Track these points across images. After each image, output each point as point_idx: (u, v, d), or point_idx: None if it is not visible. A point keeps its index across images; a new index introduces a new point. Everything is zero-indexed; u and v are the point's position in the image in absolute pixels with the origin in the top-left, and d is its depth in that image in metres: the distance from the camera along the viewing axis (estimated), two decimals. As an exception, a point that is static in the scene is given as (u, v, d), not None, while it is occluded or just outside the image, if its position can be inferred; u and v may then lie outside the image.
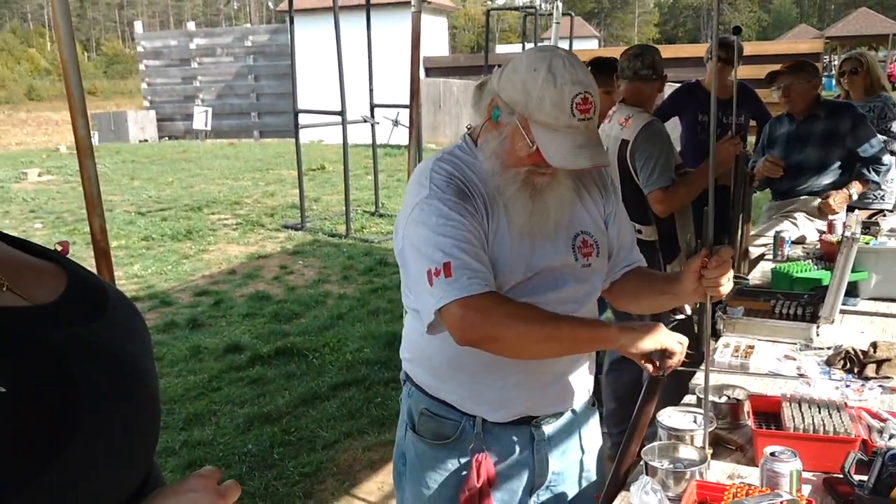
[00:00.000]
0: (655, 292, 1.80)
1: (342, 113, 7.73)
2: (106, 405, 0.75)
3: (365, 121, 8.80)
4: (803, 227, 3.99)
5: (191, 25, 24.65)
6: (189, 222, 8.74)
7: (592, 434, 1.86)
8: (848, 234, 2.41)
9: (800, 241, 3.84)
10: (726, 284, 1.62)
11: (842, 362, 2.22)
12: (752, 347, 2.37)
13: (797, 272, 2.91)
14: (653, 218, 3.21)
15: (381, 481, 3.44)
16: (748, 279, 3.18)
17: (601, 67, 3.51)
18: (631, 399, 3.39)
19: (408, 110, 12.20)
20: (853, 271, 2.64)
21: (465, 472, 1.66)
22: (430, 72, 16.09)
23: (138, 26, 23.52)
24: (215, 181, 12.10)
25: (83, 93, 2.96)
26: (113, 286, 0.90)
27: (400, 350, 1.80)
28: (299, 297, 6.14)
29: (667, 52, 16.03)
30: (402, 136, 15.81)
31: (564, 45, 15.61)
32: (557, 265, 1.65)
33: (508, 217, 1.59)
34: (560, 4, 5.98)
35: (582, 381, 1.77)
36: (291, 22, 7.76)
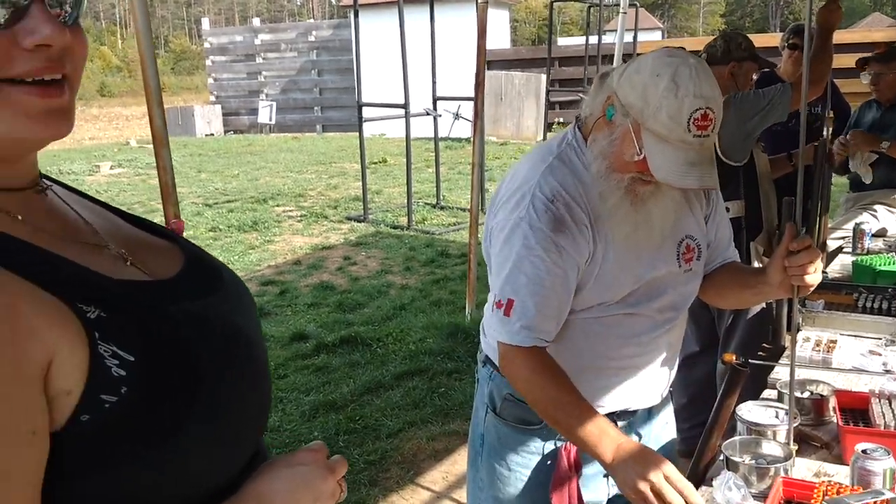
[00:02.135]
0: (740, 286, 1.75)
1: (405, 106, 7.76)
2: (222, 377, 0.76)
3: (427, 113, 8.82)
4: (884, 219, 3.84)
5: (255, 21, 25.09)
6: (255, 214, 8.91)
7: (668, 426, 1.84)
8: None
9: (880, 233, 3.70)
10: (814, 274, 1.55)
11: (932, 359, 2.13)
12: (834, 342, 2.29)
13: (880, 265, 2.80)
14: (742, 193, 3.11)
15: (445, 471, 3.45)
16: (827, 272, 3.07)
17: None
18: (702, 396, 3.34)
19: (469, 103, 12.23)
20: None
21: (549, 458, 1.67)
22: (491, 64, 16.02)
23: (205, 23, 24.07)
24: (280, 174, 12.30)
25: (159, 85, 3.04)
26: (224, 265, 0.92)
27: (482, 328, 1.79)
28: (362, 287, 6.19)
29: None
30: (462, 129, 15.81)
31: (629, 36, 15.36)
32: (662, 274, 1.62)
33: (611, 229, 1.55)
34: (627, -7, 5.87)
35: (668, 377, 1.75)
36: (356, 16, 7.82)
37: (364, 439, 3.70)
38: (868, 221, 3.55)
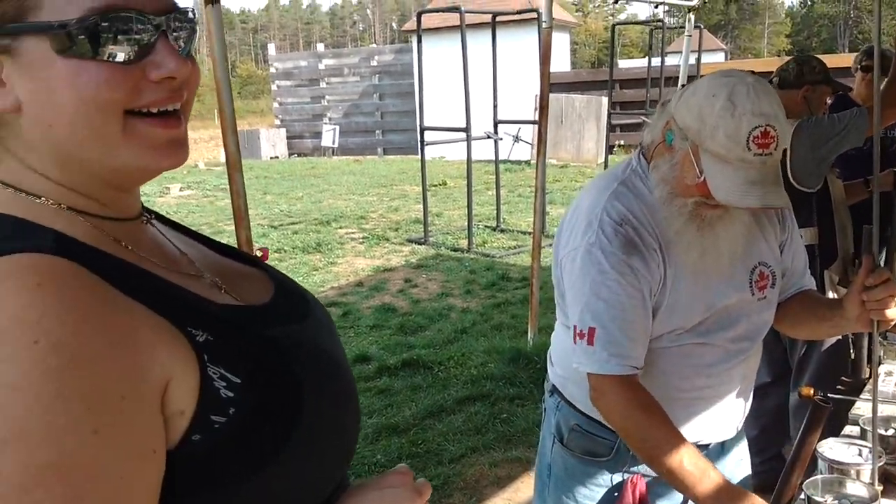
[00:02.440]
0: (816, 318, 1.69)
1: (467, 130, 7.81)
2: (320, 400, 0.78)
3: (488, 137, 8.86)
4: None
5: (320, 47, 25.65)
6: (318, 236, 9.06)
7: (742, 463, 1.79)
8: None
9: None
10: (895, 308, 1.50)
11: None
12: (916, 376, 2.20)
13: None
14: (815, 220, 3.03)
15: (508, 498, 3.42)
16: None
17: None
18: (774, 427, 3.24)
19: (528, 126, 12.11)
20: None
21: (615, 490, 1.64)
22: (551, 87, 15.92)
23: (271, 48, 24.71)
24: (342, 196, 12.49)
25: (234, 111, 3.14)
26: (308, 291, 0.95)
27: (549, 357, 1.78)
28: (423, 310, 6.22)
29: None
30: (522, 152, 15.82)
31: (693, 58, 15.17)
32: (734, 302, 1.58)
33: (679, 255, 1.52)
34: (692, 17, 5.82)
35: (741, 412, 1.71)
36: (419, 41, 7.93)
37: (426, 464, 3.70)
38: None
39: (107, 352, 0.62)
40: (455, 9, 7.56)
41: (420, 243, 8.55)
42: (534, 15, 8.69)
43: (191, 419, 0.67)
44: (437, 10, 9.07)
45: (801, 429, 1.68)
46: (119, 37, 0.68)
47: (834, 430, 1.97)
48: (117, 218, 0.77)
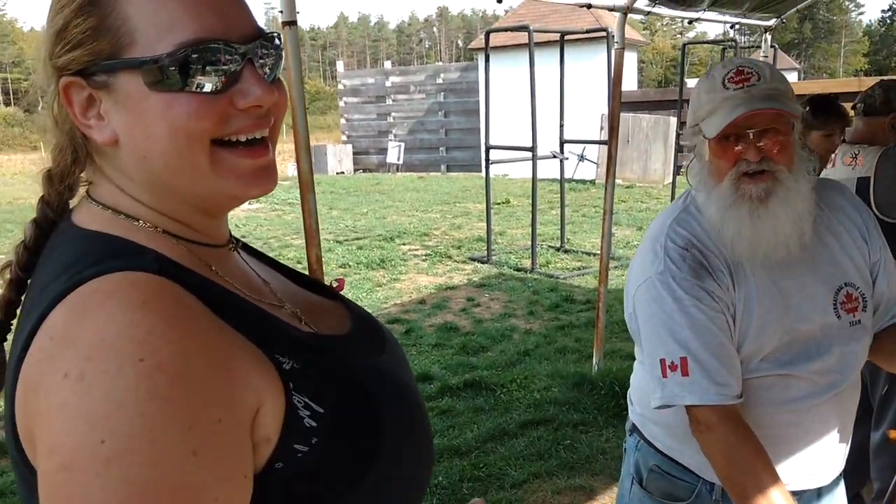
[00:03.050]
0: None
1: (533, 149, 7.77)
2: (400, 433, 0.79)
3: (554, 156, 8.80)
4: None
5: (387, 64, 25.99)
6: (382, 251, 9.12)
7: None
8: None
9: None
10: None
11: None
12: None
13: None
14: None
15: (571, 528, 3.34)
16: None
17: (818, 107, 3.26)
18: (854, 469, 3.05)
19: (593, 146, 11.97)
20: None
21: None
22: (623, 106, 15.87)
23: (340, 66, 25.16)
24: (406, 213, 12.57)
25: (307, 131, 3.17)
26: (382, 324, 0.96)
27: (629, 396, 1.73)
28: (486, 330, 6.18)
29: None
30: (586, 171, 15.68)
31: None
32: (817, 327, 1.48)
33: (732, 239, 1.46)
34: (769, 37, 5.67)
35: (837, 456, 1.59)
36: (487, 60, 7.94)
37: (488, 488, 3.65)
38: None
39: (208, 373, 0.63)
40: (524, 27, 7.56)
41: (483, 262, 8.51)
42: (601, 34, 8.65)
43: (275, 446, 0.68)
44: (505, 29, 9.08)
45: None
46: (207, 68, 0.70)
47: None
48: (208, 244, 0.79)
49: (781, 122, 1.42)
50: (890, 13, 62.88)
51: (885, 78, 2.94)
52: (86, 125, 0.73)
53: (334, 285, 1.00)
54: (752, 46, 10.59)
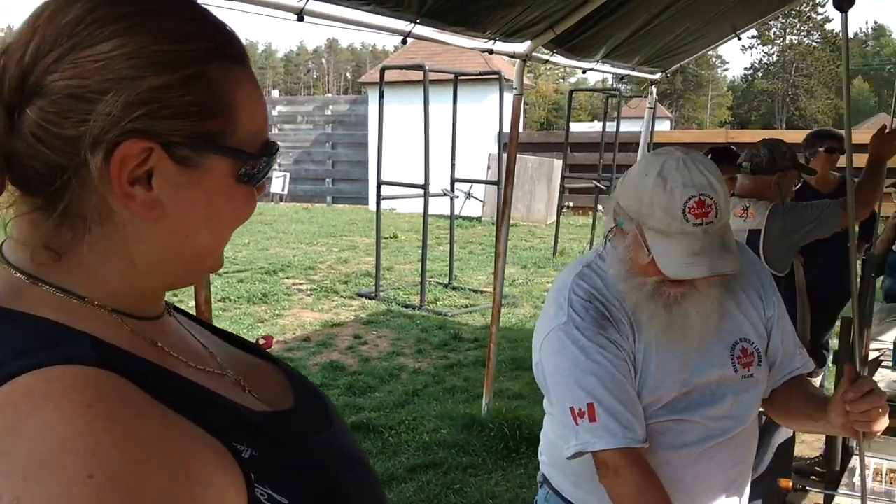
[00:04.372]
0: (805, 416, 1.65)
1: (425, 186, 7.77)
2: None
3: (445, 194, 8.85)
4: (920, 334, 3.75)
5: (275, 93, 25.58)
6: (265, 286, 8.82)
7: None
8: None
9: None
10: (881, 420, 1.44)
11: None
12: (893, 471, 2.17)
13: (933, 388, 2.69)
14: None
15: (462, 579, 3.26)
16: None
17: (717, 155, 3.41)
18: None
19: (479, 185, 12.21)
20: None
21: None
22: (505, 147, 16.21)
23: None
24: (290, 245, 12.28)
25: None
26: (316, 387, 0.91)
27: (539, 451, 1.71)
28: (373, 369, 6.05)
29: (743, 136, 15.71)
30: (472, 209, 15.88)
31: (639, 125, 15.59)
32: (714, 378, 1.53)
33: (646, 330, 1.50)
34: (654, 90, 5.94)
35: (735, 501, 1.62)
36: (381, 96, 7.91)
37: (377, 538, 3.51)
38: (908, 336, 3.46)
39: (165, 483, 0.56)
40: (419, 66, 7.59)
41: (370, 298, 8.39)
42: (491, 76, 8.82)
43: None
44: (401, 67, 9.08)
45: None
46: (271, 166, 0.74)
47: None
48: (151, 317, 0.74)
49: None
50: (751, 70, 68.00)
51: (768, 138, 3.10)
52: (127, 193, 0.65)
53: (261, 343, 0.97)
54: (634, 96, 11.12)
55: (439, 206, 10.22)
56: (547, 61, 4.49)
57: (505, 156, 12.36)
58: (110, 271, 0.68)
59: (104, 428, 0.54)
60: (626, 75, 5.40)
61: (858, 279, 3.07)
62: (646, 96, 6.44)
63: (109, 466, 0.53)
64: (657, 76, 5.75)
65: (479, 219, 15.48)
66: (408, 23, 3.48)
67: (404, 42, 3.53)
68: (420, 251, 10.47)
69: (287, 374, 0.88)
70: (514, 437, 4.47)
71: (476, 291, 8.82)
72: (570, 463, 1.54)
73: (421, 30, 3.58)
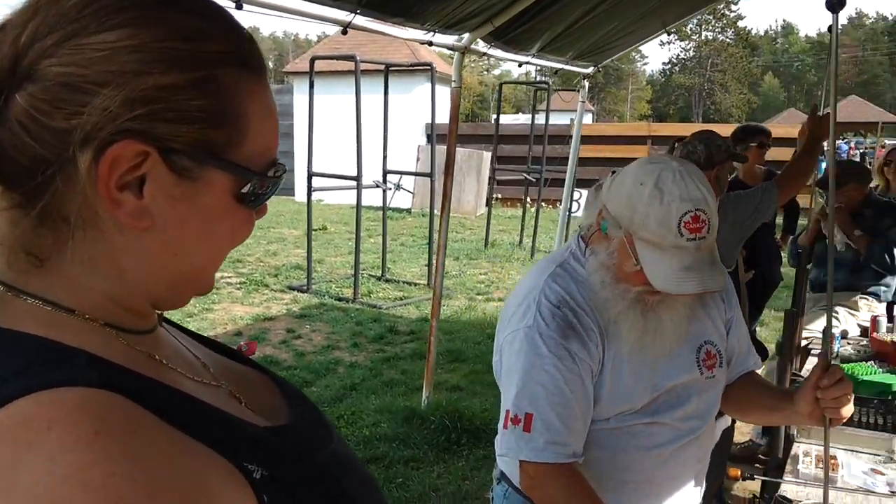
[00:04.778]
0: (765, 408, 1.70)
1: (358, 178, 7.69)
2: None
3: (377, 186, 8.77)
4: (844, 322, 3.92)
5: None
6: (192, 279, 8.56)
7: None
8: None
9: (842, 335, 3.76)
10: (848, 406, 1.50)
11: (936, 480, 2.11)
12: (833, 457, 2.25)
13: (863, 375, 2.81)
14: None
15: (409, 574, 3.24)
16: (802, 376, 3.07)
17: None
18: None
19: (409, 176, 12.11)
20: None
21: None
22: (430, 138, 16.14)
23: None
24: (216, 237, 11.97)
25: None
26: (306, 395, 0.88)
27: (496, 446, 1.70)
28: (309, 363, 5.96)
29: (664, 129, 16.10)
30: (402, 200, 15.83)
31: (564, 118, 15.80)
32: (682, 381, 1.55)
33: (620, 337, 1.50)
34: (586, 84, 6.02)
35: (696, 495, 1.68)
36: (311, 86, 7.76)
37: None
38: (834, 325, 3.60)
39: None
40: (351, 57, 7.49)
41: (302, 291, 8.26)
42: (423, 67, 8.78)
43: None
44: (332, 58, 8.93)
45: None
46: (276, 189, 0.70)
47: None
48: (145, 330, 0.69)
49: None
50: (669, 65, 69.91)
51: (699, 131, 3.12)
52: (114, 199, 0.59)
53: (244, 349, 0.90)
54: (564, 89, 11.28)
55: (368, 197, 10.10)
56: (484, 54, 4.48)
57: (441, 148, 12.30)
58: (96, 282, 0.63)
59: (112, 457, 0.50)
60: (560, 69, 5.45)
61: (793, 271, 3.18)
62: (578, 90, 6.54)
63: (124, 499, 0.48)
64: (589, 70, 5.83)
65: (409, 210, 15.43)
66: (348, 13, 3.42)
67: (344, 32, 3.47)
68: (350, 243, 10.38)
69: (276, 382, 0.85)
70: (454, 430, 4.48)
71: (410, 284, 8.79)
72: None
73: (361, 20, 3.52)
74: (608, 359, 1.50)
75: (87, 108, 0.57)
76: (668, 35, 6.31)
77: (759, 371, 1.80)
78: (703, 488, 1.71)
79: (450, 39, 4.13)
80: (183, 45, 0.60)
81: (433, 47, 4.52)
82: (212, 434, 0.60)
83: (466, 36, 4.21)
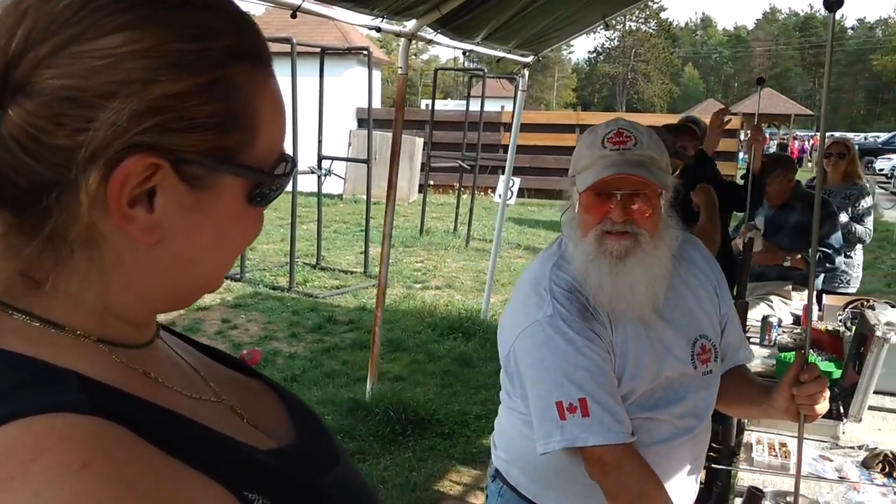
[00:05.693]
0: (748, 402, 1.72)
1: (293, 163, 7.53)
2: None
3: (312, 172, 8.63)
4: (778, 311, 4.06)
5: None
6: (118, 267, 8.27)
7: None
8: (879, 333, 2.42)
9: (777, 324, 3.89)
10: (823, 403, 1.54)
11: (880, 465, 2.20)
12: (784, 444, 2.33)
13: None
14: None
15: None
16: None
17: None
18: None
19: (340, 162, 11.91)
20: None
21: None
22: (362, 123, 15.99)
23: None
24: (141, 223, 11.58)
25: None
26: (313, 409, 0.84)
27: (493, 444, 1.69)
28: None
29: (592, 118, 16.37)
30: (333, 186, 15.64)
31: (496, 104, 15.89)
32: (676, 375, 1.56)
33: (595, 291, 1.50)
34: (526, 73, 6.05)
35: (691, 493, 1.69)
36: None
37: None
38: (769, 313, 3.72)
39: None
40: (286, 39, 7.32)
41: (236, 279, 8.06)
42: (360, 51, 8.66)
43: None
44: (268, 40, 8.69)
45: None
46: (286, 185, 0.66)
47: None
48: (142, 344, 0.64)
49: (649, 188, 1.47)
50: (595, 54, 71.08)
51: (669, 124, 3.20)
52: (125, 215, 0.55)
53: (247, 358, 0.86)
54: (500, 76, 11.32)
55: (299, 183, 9.92)
56: (431, 41, 4.44)
57: (382, 134, 12.09)
58: (97, 298, 0.59)
59: (103, 490, 0.47)
60: (502, 58, 5.45)
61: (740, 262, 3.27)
62: (515, 78, 6.56)
63: None
64: (529, 59, 5.86)
65: (340, 196, 15.26)
66: (298, -4, 3.33)
67: (294, 16, 3.37)
68: (282, 230, 10.20)
69: (280, 395, 0.81)
70: (399, 421, 4.46)
71: (345, 272, 8.70)
72: (532, 459, 1.54)
73: (310, 4, 3.43)
74: (616, 343, 1.51)
75: (93, 123, 0.52)
76: (608, 27, 6.40)
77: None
78: (698, 484, 1.73)
79: (397, 27, 4.07)
80: (190, 46, 0.55)
81: (363, 30, 4.44)
82: (209, 460, 0.57)
83: (413, 22, 4.17)
